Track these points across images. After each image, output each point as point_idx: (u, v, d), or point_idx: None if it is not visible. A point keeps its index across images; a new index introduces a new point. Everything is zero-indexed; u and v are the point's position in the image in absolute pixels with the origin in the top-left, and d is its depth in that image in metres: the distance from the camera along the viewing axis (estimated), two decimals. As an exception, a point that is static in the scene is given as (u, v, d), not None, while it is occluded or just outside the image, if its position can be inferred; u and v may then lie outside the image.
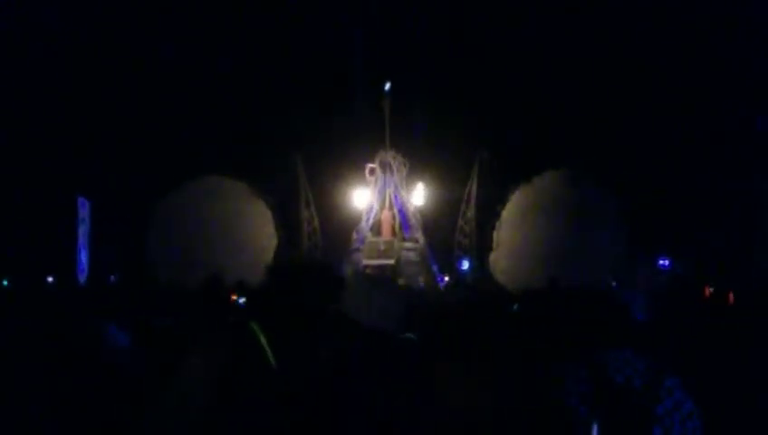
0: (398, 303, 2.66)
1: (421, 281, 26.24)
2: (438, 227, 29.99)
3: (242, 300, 7.71)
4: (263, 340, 2.22)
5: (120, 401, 3.20)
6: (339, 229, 29.87)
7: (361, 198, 29.80)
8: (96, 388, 3.32)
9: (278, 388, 2.17)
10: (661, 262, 22.58)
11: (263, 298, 2.37)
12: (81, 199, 18.34)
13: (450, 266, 29.69)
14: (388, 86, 29.24)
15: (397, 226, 29.66)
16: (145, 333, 4.37)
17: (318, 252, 27.97)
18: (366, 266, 28.19)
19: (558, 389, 2.59)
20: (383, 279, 2.83)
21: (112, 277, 18.12)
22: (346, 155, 29.48)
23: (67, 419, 3.20)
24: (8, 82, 17.29)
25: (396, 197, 29.58)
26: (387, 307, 2.54)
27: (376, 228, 29.84)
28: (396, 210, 29.71)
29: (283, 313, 2.28)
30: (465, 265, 28.51)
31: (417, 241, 29.37)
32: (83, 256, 18.57)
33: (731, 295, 4.32)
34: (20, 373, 3.39)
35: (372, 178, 29.63)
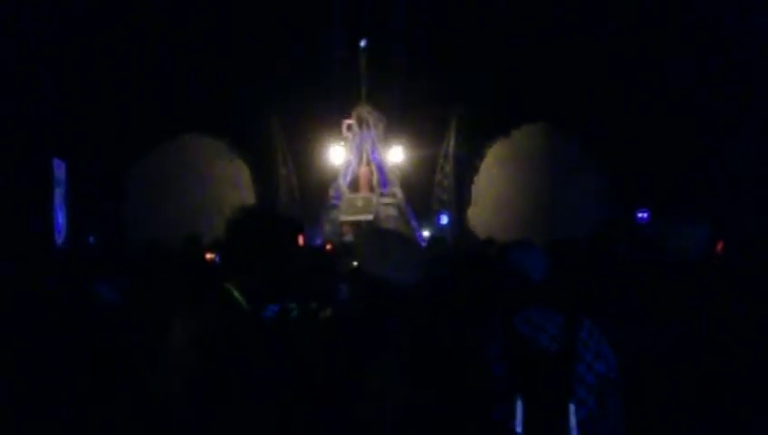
0: (415, 254, 2.66)
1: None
2: (416, 182, 30.02)
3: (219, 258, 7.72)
4: (238, 296, 2.23)
5: (110, 355, 3.25)
6: (317, 186, 29.82)
7: (338, 154, 29.70)
8: (87, 343, 3.35)
9: (258, 341, 2.20)
10: (640, 214, 22.55)
11: (228, 255, 2.36)
12: (56, 161, 18.12)
13: (429, 222, 29.82)
14: (363, 42, 29.06)
15: (374, 181, 29.67)
16: (128, 292, 4.40)
17: (296, 209, 27.93)
18: (343, 223, 28.25)
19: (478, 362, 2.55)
20: (396, 232, 2.82)
21: (90, 238, 18.01)
22: (323, 111, 29.28)
23: (59, 374, 3.23)
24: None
25: (373, 152, 29.52)
26: (404, 259, 2.52)
27: (354, 184, 29.84)
28: (373, 166, 29.68)
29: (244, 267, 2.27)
30: (444, 220, 28.65)
31: (395, 196, 29.41)
32: (60, 218, 18.42)
33: (720, 245, 4.25)
34: (11, 331, 3.41)
35: (349, 135, 29.53)
